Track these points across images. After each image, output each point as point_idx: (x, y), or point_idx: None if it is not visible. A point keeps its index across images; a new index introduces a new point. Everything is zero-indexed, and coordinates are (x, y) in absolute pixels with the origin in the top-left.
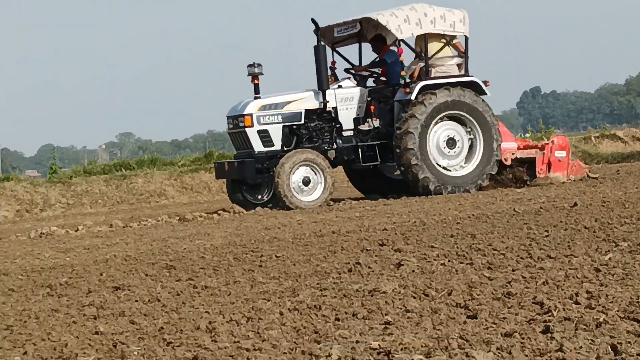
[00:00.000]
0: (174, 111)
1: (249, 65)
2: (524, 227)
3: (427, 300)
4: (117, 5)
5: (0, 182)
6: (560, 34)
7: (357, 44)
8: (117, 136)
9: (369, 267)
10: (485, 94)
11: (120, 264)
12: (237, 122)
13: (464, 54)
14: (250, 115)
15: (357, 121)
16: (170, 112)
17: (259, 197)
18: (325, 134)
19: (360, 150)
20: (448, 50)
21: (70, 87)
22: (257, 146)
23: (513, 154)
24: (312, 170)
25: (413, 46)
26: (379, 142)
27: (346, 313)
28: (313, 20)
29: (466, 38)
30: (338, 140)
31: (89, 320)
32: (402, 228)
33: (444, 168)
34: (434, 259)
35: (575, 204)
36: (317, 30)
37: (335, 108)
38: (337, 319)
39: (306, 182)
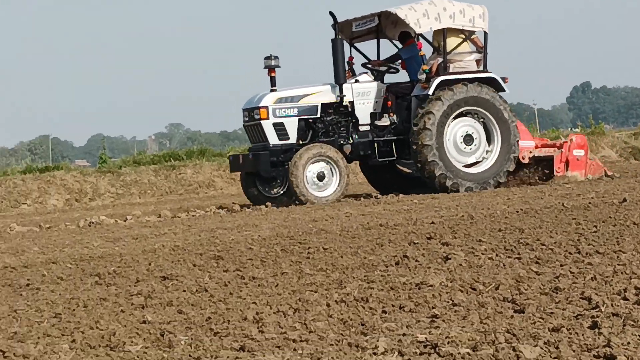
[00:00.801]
0: (223, 102)
1: (266, 58)
2: (573, 222)
3: (474, 294)
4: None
5: (50, 172)
6: (611, 29)
7: (376, 40)
8: (167, 127)
9: (417, 260)
10: (504, 90)
11: (169, 254)
12: (252, 114)
13: (482, 50)
14: (266, 107)
15: (374, 116)
16: (219, 104)
17: (274, 191)
18: (342, 129)
19: (376, 145)
20: (467, 46)
21: (120, 78)
22: (273, 139)
23: (531, 152)
24: (328, 165)
25: (432, 40)
26: (395, 138)
27: (393, 306)
28: (331, 14)
29: (485, 34)
30: (354, 135)
31: (136, 309)
32: (450, 222)
33: (461, 164)
34: (482, 253)
35: (625, 200)
36: (335, 23)
37: (351, 102)
38: (384, 312)
39: (321, 177)
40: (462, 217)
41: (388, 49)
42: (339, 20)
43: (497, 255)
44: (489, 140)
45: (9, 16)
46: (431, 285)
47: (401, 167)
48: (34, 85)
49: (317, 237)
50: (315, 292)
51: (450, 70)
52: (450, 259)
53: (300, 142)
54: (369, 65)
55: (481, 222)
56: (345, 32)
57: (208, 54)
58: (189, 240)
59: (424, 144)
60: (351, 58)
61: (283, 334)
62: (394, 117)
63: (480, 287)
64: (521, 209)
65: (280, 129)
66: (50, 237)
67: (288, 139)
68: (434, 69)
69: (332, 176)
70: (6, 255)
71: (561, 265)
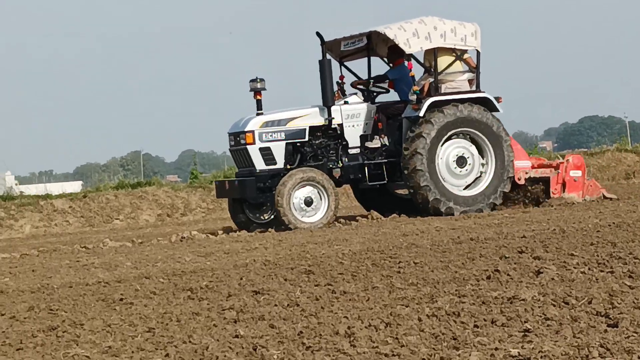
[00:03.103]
0: None
1: (252, 80)
2: None
3: (566, 308)
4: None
5: (142, 187)
6: None
7: (367, 58)
8: None
9: (508, 275)
10: (498, 110)
11: (260, 268)
12: (238, 139)
13: (475, 69)
14: (252, 132)
15: (364, 138)
16: None
17: (264, 216)
18: (331, 152)
19: (367, 168)
20: (459, 65)
21: (211, 94)
22: (259, 164)
23: (527, 173)
24: (315, 189)
25: (422, 60)
26: (386, 161)
27: (485, 320)
28: (318, 34)
29: (478, 52)
30: (344, 158)
31: (229, 323)
32: (542, 235)
33: (455, 187)
34: (574, 267)
35: None
36: (323, 44)
37: (340, 125)
38: (476, 326)
39: (308, 202)
40: (553, 231)
41: (380, 66)
42: (328, 39)
43: (589, 269)
44: (483, 161)
45: (108, 33)
46: (523, 300)
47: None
48: (125, 102)
49: (408, 252)
50: (407, 306)
51: (442, 91)
52: (542, 272)
53: (288, 167)
54: (359, 85)
55: (573, 235)
56: (335, 51)
57: (292, 70)
58: (280, 254)
59: (416, 169)
60: (342, 77)
61: (375, 348)
62: (385, 139)
63: (572, 301)
64: (613, 223)
65: (266, 153)
66: (142, 252)
67: (275, 163)
68: (425, 90)
69: (321, 201)
70: (100, 270)
71: None
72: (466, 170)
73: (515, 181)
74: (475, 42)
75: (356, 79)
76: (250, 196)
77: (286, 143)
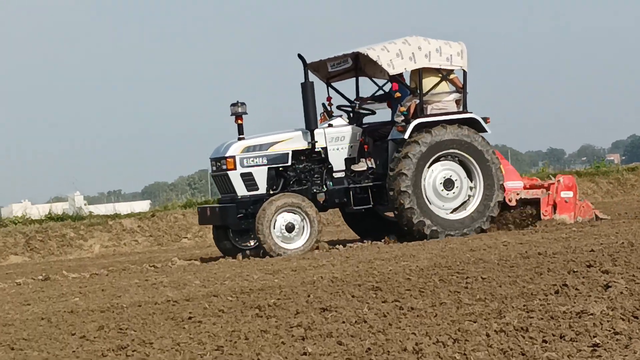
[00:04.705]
0: None
1: (232, 105)
2: None
3: (636, 322)
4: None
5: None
6: None
7: (355, 79)
8: None
9: (576, 289)
10: (486, 131)
11: (327, 285)
12: (219, 164)
13: (462, 89)
14: (233, 157)
15: (350, 161)
16: None
17: (250, 243)
18: (315, 176)
19: (352, 192)
20: (445, 86)
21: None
22: (240, 190)
23: (518, 194)
24: (297, 215)
25: (408, 81)
26: (372, 184)
27: (553, 335)
28: (300, 56)
29: (464, 72)
30: (328, 182)
31: (297, 341)
32: (610, 249)
33: (442, 210)
34: None
35: None
36: (305, 66)
37: (325, 148)
38: (545, 341)
39: (290, 228)
40: (622, 245)
41: (369, 87)
42: (313, 60)
43: None
44: (471, 184)
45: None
46: (592, 314)
47: (385, 213)
48: (191, 122)
49: (475, 267)
50: (475, 322)
51: (429, 112)
52: (610, 287)
53: (271, 192)
54: (349, 107)
55: None
56: (322, 72)
57: None
58: (347, 271)
59: (401, 191)
60: (329, 98)
61: None
62: (372, 161)
63: None
64: None
65: (248, 179)
66: (210, 270)
67: (257, 189)
68: (411, 111)
69: (303, 226)
70: (168, 288)
71: None
72: (454, 193)
73: (507, 202)
74: (462, 62)
75: (346, 101)
76: (232, 223)
77: (268, 168)
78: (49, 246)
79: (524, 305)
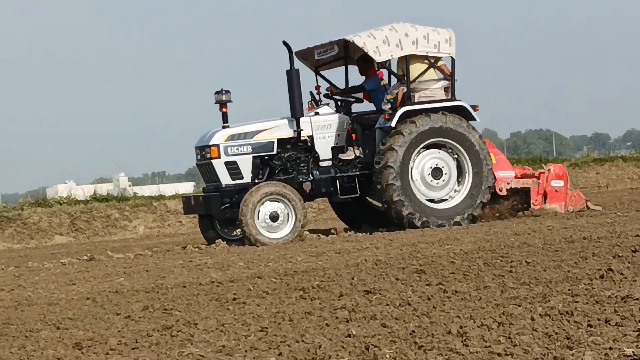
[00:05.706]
0: None
1: (217, 92)
2: None
3: None
4: None
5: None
6: None
7: (344, 67)
8: None
9: (622, 274)
10: (475, 119)
11: (371, 268)
12: (203, 153)
13: (450, 77)
14: (217, 145)
15: (337, 150)
16: None
17: (236, 232)
18: (301, 165)
19: (339, 181)
20: (433, 73)
21: None
22: (225, 179)
23: (508, 183)
24: (282, 204)
25: (395, 68)
26: (359, 173)
27: (598, 319)
28: (285, 43)
29: (452, 59)
30: (315, 172)
31: (341, 323)
32: None
33: (430, 200)
34: None
35: None
36: (291, 53)
37: (311, 137)
38: (590, 325)
39: (274, 217)
40: None
41: (357, 75)
42: (301, 48)
43: None
44: (460, 172)
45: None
46: (637, 299)
47: (371, 201)
48: (235, 104)
49: (520, 251)
50: (519, 305)
51: (416, 100)
52: None
53: (256, 181)
54: (336, 95)
55: None
56: (310, 60)
57: None
58: (391, 254)
59: (388, 184)
60: (318, 87)
61: (487, 348)
62: (360, 150)
63: None
64: None
65: (232, 168)
66: (255, 252)
67: (242, 178)
68: (399, 98)
69: (287, 216)
70: (213, 270)
71: None
72: (442, 181)
73: (497, 192)
74: (450, 49)
75: (335, 88)
76: (215, 212)
77: (253, 157)
78: (94, 227)
79: (569, 290)
